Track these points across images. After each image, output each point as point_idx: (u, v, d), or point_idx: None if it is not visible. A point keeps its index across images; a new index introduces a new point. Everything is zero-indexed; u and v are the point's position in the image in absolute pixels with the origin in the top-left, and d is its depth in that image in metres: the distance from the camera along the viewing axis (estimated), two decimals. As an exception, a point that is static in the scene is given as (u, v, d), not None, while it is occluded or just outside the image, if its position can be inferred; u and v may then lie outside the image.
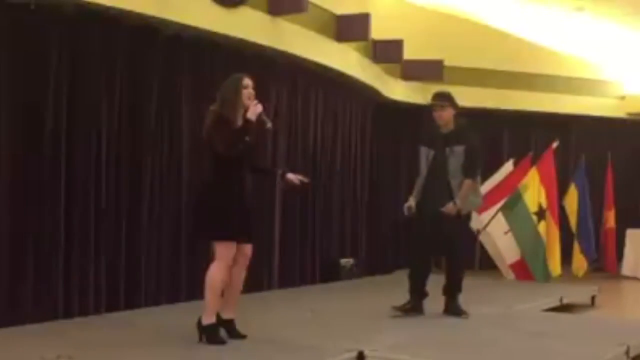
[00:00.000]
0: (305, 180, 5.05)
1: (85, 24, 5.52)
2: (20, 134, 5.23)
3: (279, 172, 5.26)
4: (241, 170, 4.72)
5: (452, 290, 5.99)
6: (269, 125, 4.84)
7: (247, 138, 4.64)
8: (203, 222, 4.70)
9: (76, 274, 5.50)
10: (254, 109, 4.67)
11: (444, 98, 5.86)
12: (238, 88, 4.67)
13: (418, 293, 5.92)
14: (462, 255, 6.13)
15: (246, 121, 4.65)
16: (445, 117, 5.81)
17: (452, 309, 5.94)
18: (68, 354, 4.21)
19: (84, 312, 5.50)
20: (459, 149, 5.73)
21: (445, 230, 5.71)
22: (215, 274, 4.60)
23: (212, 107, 4.69)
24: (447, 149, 5.75)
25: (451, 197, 5.69)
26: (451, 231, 5.75)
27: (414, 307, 5.89)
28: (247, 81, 4.72)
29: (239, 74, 4.78)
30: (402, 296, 5.94)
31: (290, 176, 5.00)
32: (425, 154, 5.86)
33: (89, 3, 5.31)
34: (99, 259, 5.67)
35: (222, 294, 4.71)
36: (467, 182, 5.73)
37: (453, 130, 5.82)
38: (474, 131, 5.93)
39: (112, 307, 5.73)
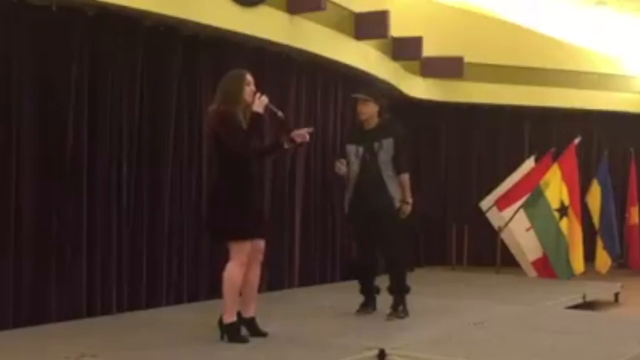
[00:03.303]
0: (310, 130, 4.89)
1: (105, 25, 5.56)
2: (42, 134, 5.28)
3: (284, 140, 4.87)
4: (249, 167, 4.71)
5: (396, 290, 5.80)
6: (280, 114, 4.80)
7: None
8: (216, 222, 4.71)
9: (98, 273, 5.54)
10: (260, 102, 4.63)
11: (367, 92, 5.86)
12: (241, 84, 4.65)
13: (369, 292, 5.91)
14: (401, 253, 5.91)
15: (255, 114, 4.63)
16: (366, 112, 5.76)
17: (396, 309, 5.75)
18: (91, 353, 4.26)
19: (106, 311, 5.55)
20: (388, 142, 5.68)
21: (383, 229, 5.65)
22: (232, 272, 4.61)
23: (214, 106, 4.67)
24: (376, 144, 5.68)
25: (386, 192, 5.63)
26: (390, 229, 5.66)
27: (365, 305, 5.86)
28: (250, 78, 4.71)
29: (238, 70, 4.76)
30: (422, 293, 5.92)
31: (296, 133, 4.82)
32: (354, 152, 5.75)
33: (109, 4, 5.34)
34: (121, 258, 5.72)
35: (240, 293, 4.72)
36: (406, 176, 5.72)
37: (379, 125, 5.77)
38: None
39: (134, 306, 5.77)
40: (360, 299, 5.93)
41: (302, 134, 4.84)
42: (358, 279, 6.00)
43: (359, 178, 5.71)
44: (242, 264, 4.61)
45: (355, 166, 5.72)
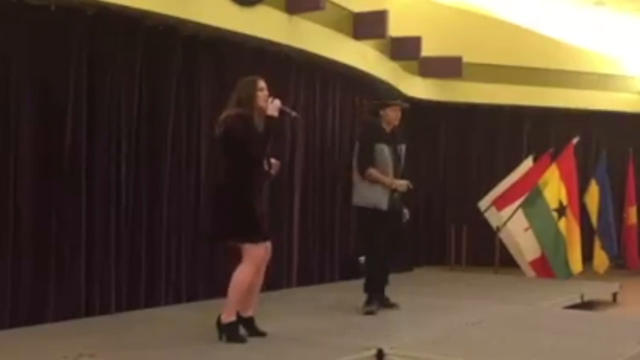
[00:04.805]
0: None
1: (104, 24, 5.56)
2: (41, 134, 5.28)
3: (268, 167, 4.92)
4: (260, 170, 4.76)
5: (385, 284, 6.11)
6: (294, 114, 4.92)
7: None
8: (229, 225, 4.66)
9: (97, 273, 5.54)
10: (273, 105, 4.70)
11: (401, 100, 6.24)
12: (254, 90, 4.70)
13: (381, 290, 6.05)
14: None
15: (269, 118, 4.67)
16: (399, 118, 6.08)
17: (387, 301, 6.08)
18: (90, 353, 4.25)
19: (105, 311, 5.55)
20: (403, 149, 6.09)
21: (400, 227, 6.05)
22: (244, 275, 4.60)
23: (230, 111, 4.68)
24: (399, 147, 6.04)
25: (400, 194, 6.01)
26: (399, 228, 6.08)
27: (380, 304, 6.00)
28: (262, 84, 4.76)
29: (252, 76, 4.80)
30: (420, 293, 5.94)
31: (275, 163, 4.89)
32: (387, 152, 5.93)
33: (108, 4, 5.35)
34: (120, 258, 5.72)
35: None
36: None
37: (396, 130, 6.09)
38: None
39: (132, 306, 5.77)
40: (361, 297, 5.96)
41: (277, 165, 4.92)
42: (377, 277, 6.04)
43: (394, 177, 5.96)
44: (255, 266, 4.63)
45: (389, 167, 5.93)
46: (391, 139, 6.00)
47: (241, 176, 4.66)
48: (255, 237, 4.62)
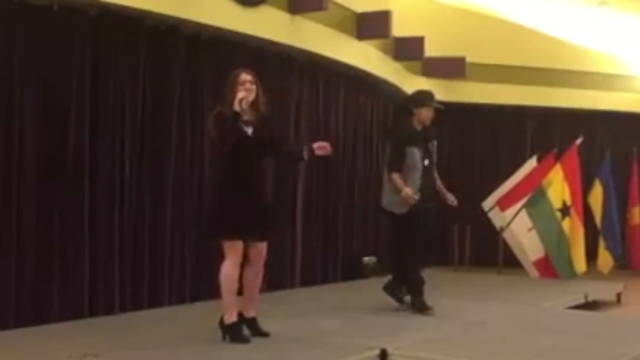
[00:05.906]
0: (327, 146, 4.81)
1: (107, 25, 5.57)
2: (44, 134, 5.28)
3: (304, 149, 4.86)
4: (248, 167, 4.63)
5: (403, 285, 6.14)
6: (237, 108, 4.58)
7: (248, 131, 4.61)
8: (209, 221, 4.76)
9: (101, 273, 5.55)
10: (237, 100, 4.55)
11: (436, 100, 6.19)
12: (233, 85, 4.59)
13: (401, 287, 6.14)
14: None
15: (234, 113, 4.56)
16: (431, 119, 6.05)
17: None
18: (94, 353, 4.26)
19: (108, 311, 5.55)
20: (435, 145, 6.08)
21: (434, 226, 5.99)
22: (225, 273, 4.60)
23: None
24: (430, 145, 6.02)
25: (435, 192, 6.03)
26: (437, 227, 6.09)
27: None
28: (244, 77, 4.61)
29: (237, 70, 4.71)
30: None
31: (319, 145, 4.77)
32: (417, 155, 5.92)
33: (110, 4, 5.35)
34: (123, 258, 5.72)
35: (241, 293, 4.72)
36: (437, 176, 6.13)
37: (427, 128, 6.07)
38: None
39: (136, 306, 5.78)
40: (363, 297, 5.96)
41: (325, 146, 4.78)
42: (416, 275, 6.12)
43: (422, 178, 5.92)
44: (234, 263, 4.59)
45: (418, 171, 5.90)
46: (422, 139, 5.98)
47: (223, 173, 4.68)
48: (223, 234, 4.58)
